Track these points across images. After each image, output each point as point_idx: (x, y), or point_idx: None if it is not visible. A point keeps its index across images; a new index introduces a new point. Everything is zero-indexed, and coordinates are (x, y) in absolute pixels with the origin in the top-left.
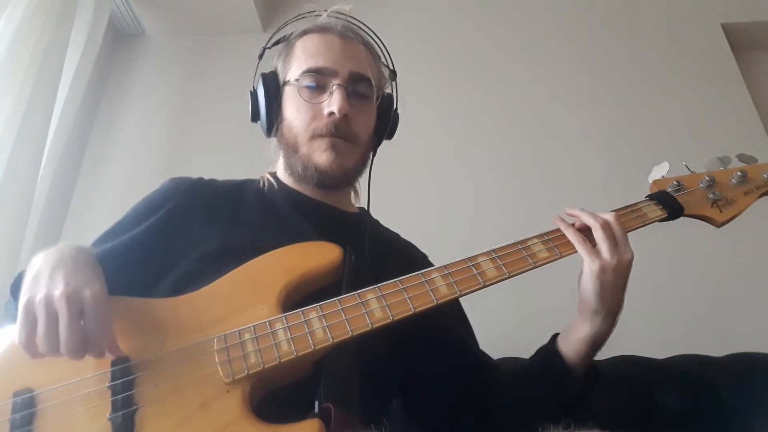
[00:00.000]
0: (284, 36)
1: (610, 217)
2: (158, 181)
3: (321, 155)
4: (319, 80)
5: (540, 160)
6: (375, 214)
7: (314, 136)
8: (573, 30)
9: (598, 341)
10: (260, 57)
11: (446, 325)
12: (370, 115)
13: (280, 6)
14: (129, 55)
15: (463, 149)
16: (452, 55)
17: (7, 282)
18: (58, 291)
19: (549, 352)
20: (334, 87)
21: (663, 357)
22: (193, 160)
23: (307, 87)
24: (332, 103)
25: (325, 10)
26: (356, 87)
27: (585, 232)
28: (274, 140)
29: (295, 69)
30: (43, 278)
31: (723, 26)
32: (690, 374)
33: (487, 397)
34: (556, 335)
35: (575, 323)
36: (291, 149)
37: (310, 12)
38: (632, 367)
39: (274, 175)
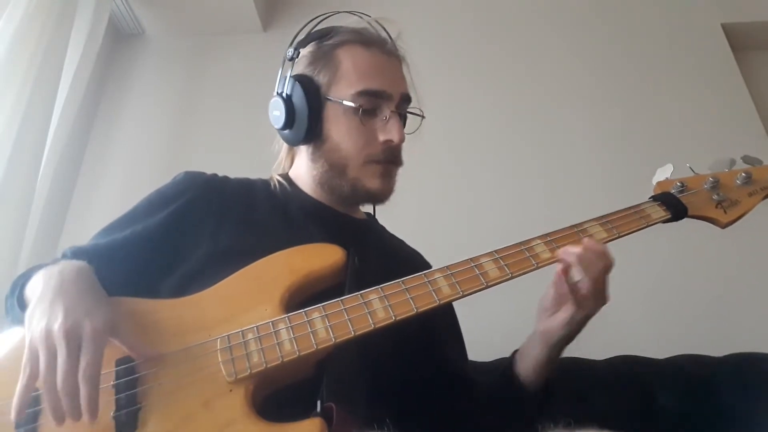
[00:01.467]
0: (317, 32)
1: (599, 269)
2: (158, 182)
3: (374, 181)
4: (374, 103)
5: (540, 160)
6: (376, 214)
7: (368, 162)
8: (573, 30)
9: (554, 361)
10: (292, 59)
11: (434, 330)
12: None
13: (280, 6)
14: (129, 55)
15: (462, 149)
16: (452, 55)
17: (7, 282)
18: (57, 324)
19: (505, 374)
20: (390, 113)
21: (663, 357)
22: (193, 160)
23: (364, 111)
24: (390, 130)
25: (361, 13)
26: (404, 110)
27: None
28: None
29: (344, 86)
30: (45, 307)
31: (723, 26)
32: (690, 374)
33: (459, 411)
34: (515, 352)
35: (532, 343)
36: (336, 170)
37: (351, 12)
38: (632, 367)
39: (287, 177)
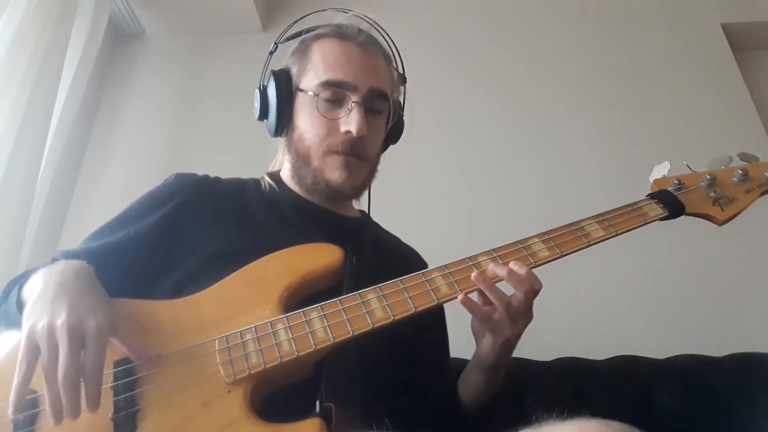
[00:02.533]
0: (298, 32)
1: (520, 295)
2: (158, 182)
3: (333, 172)
4: (337, 94)
5: (540, 160)
6: (375, 214)
7: (328, 152)
8: (573, 30)
9: (491, 386)
10: (271, 53)
11: (422, 328)
12: (382, 129)
13: (280, 6)
14: (129, 55)
15: (462, 149)
16: (452, 55)
17: (6, 282)
18: (60, 320)
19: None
20: (353, 104)
21: (663, 357)
22: (193, 160)
23: (325, 101)
24: (350, 122)
25: (342, 9)
26: (373, 103)
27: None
28: (280, 139)
29: (311, 77)
30: (46, 303)
31: (723, 26)
32: (690, 374)
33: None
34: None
35: (470, 368)
36: (302, 161)
37: (333, 8)
38: (632, 367)
39: (276, 176)
